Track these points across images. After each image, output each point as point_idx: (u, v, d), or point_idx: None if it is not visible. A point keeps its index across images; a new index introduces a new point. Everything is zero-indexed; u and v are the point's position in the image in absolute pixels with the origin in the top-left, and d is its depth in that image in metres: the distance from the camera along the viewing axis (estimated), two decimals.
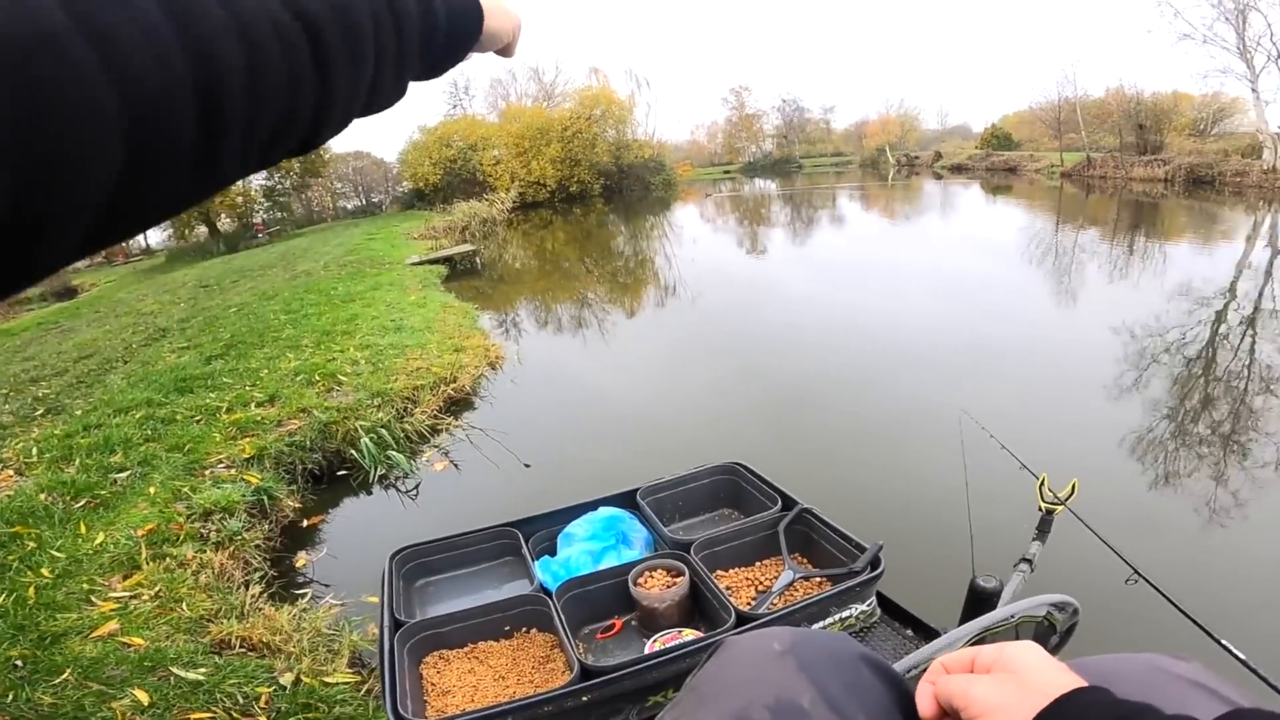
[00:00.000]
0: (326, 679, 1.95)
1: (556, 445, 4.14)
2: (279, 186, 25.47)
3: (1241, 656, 1.11)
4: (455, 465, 3.89)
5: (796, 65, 75.29)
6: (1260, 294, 6.49)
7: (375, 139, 74.77)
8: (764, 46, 79.29)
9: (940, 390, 4.39)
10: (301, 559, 2.99)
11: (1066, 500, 1.56)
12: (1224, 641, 1.17)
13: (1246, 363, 4.70)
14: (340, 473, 3.77)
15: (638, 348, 6.49)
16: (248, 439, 3.69)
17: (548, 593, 1.44)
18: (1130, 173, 19.61)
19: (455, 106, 31.67)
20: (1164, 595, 1.31)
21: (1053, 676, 0.45)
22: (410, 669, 1.31)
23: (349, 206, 29.34)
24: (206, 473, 3.34)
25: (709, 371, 5.37)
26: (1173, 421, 3.88)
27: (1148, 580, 1.37)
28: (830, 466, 3.60)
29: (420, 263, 10.41)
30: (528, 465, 3.73)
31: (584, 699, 1.14)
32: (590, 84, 28.25)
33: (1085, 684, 0.44)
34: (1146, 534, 2.77)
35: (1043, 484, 1.59)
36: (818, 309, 7.15)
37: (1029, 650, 0.49)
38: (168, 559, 2.57)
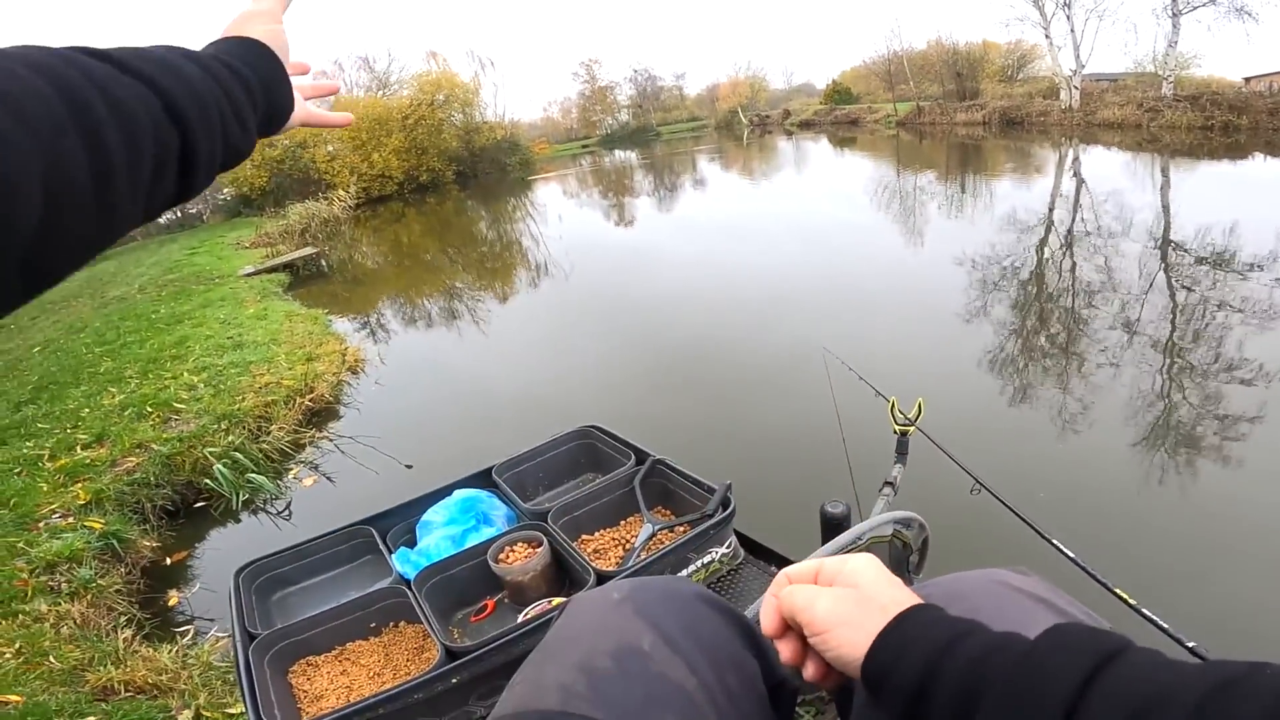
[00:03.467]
0: (229, 710, 1.91)
1: (435, 441, 3.97)
2: None
3: (1071, 555, 1.23)
4: (328, 478, 3.72)
5: (644, 35, 75.89)
6: (1073, 219, 7.22)
7: None
8: (608, 19, 79.04)
9: (805, 332, 4.56)
10: (174, 597, 2.85)
11: (916, 420, 1.61)
12: (1055, 541, 1.28)
13: (1070, 281, 5.20)
14: (198, 504, 3.55)
15: (512, 331, 6.33)
16: (79, 484, 3.45)
17: (408, 583, 1.39)
18: (954, 118, 21.36)
19: None
20: (1001, 501, 1.41)
21: (893, 594, 0.46)
22: (276, 680, 1.26)
23: (162, 221, 26.27)
24: (40, 525, 3.13)
25: (586, 345, 5.32)
26: (1016, 338, 4.24)
27: (988, 489, 1.46)
28: (701, 418, 3.67)
29: (256, 273, 9.57)
30: (409, 466, 3.63)
31: (454, 680, 1.11)
32: (429, 69, 27.05)
33: (920, 601, 0.46)
34: (992, 446, 2.99)
35: (893, 406, 1.63)
36: (688, 271, 7.24)
37: (869, 564, 0.49)
38: (20, 615, 2.46)
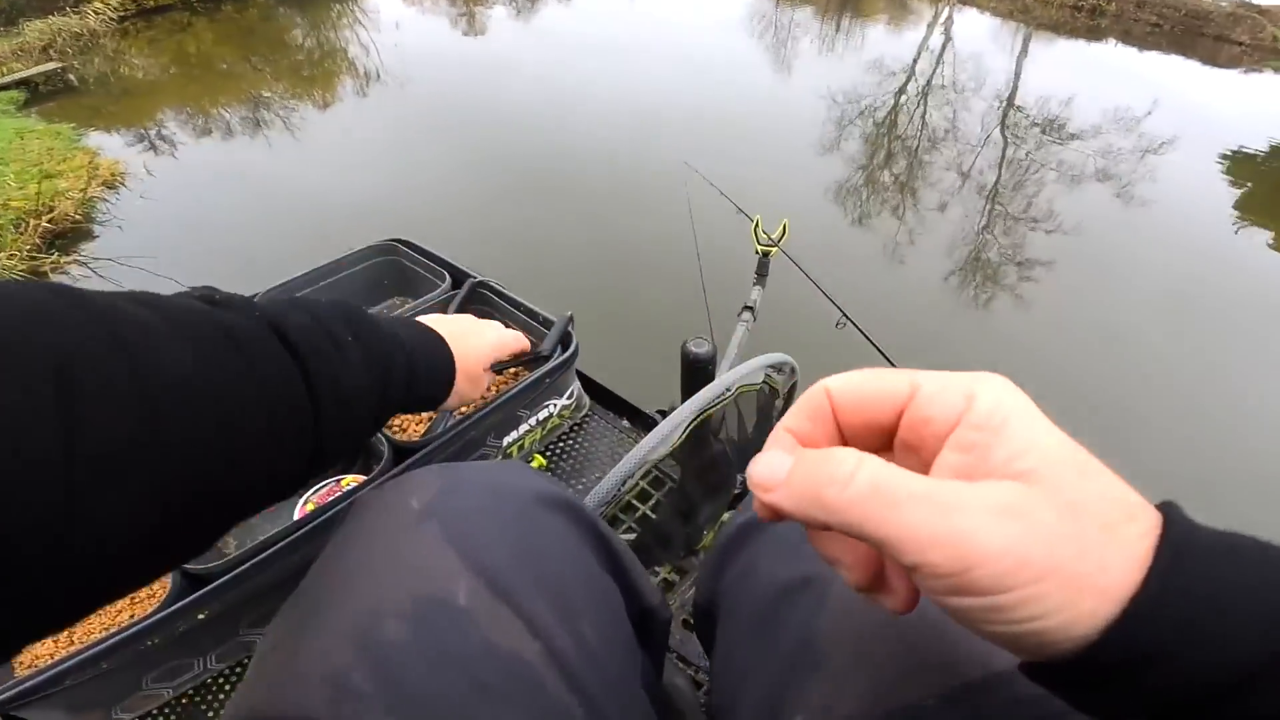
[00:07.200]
0: None
1: (225, 255, 3.44)
2: None
3: None
4: None
5: None
6: (933, 71, 7.33)
7: None
8: None
9: (668, 152, 4.34)
10: None
11: (779, 241, 1.57)
12: None
13: (920, 127, 5.28)
14: None
15: (330, 141, 5.53)
16: None
17: None
18: None
19: None
20: (867, 337, 1.43)
21: (1101, 485, 0.22)
22: None
23: None
24: None
25: (418, 157, 4.78)
26: (864, 172, 4.40)
27: (854, 323, 1.46)
28: (543, 236, 3.42)
29: None
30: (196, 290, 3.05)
31: (200, 616, 0.72)
32: None
33: (1157, 501, 0.22)
34: (851, 275, 3.12)
35: (757, 226, 1.59)
36: (546, 87, 6.61)
37: (1024, 410, 0.24)
38: None
